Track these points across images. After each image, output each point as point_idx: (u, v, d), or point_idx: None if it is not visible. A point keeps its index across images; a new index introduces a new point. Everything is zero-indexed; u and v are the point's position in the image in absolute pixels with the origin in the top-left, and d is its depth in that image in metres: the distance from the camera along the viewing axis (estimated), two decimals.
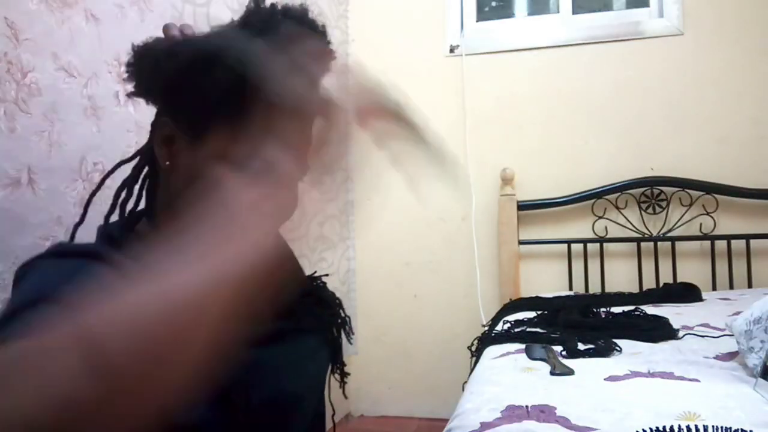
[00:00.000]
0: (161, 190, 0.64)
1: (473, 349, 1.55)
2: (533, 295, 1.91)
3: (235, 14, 0.59)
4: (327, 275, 0.85)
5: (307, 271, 0.86)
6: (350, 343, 0.79)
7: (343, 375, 0.81)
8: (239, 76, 0.55)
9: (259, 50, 0.53)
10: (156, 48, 0.60)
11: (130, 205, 0.66)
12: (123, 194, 0.65)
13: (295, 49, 0.54)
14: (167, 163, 0.61)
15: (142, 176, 0.66)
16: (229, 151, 0.56)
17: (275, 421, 0.61)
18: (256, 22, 0.58)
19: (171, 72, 0.57)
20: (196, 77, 0.56)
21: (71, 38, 0.99)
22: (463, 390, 1.13)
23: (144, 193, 0.66)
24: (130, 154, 0.68)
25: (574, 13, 2.31)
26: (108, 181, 0.65)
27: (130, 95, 0.63)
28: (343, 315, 0.80)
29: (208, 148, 0.58)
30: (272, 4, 0.59)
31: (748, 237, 2.02)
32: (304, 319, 0.70)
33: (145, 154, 0.66)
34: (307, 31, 0.58)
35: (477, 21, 2.41)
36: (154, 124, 0.63)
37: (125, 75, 0.62)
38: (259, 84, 0.51)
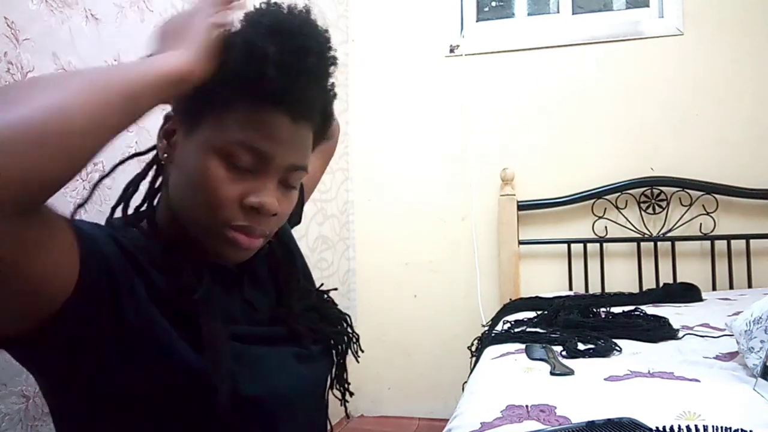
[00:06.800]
0: (162, 186, 0.65)
1: (473, 349, 1.55)
2: (533, 296, 1.90)
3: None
4: (336, 289, 0.85)
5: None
6: (357, 362, 0.77)
7: (344, 393, 0.78)
8: (237, 70, 0.56)
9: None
10: None
11: (137, 201, 0.66)
12: (131, 189, 0.65)
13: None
14: (165, 155, 0.62)
15: (151, 173, 0.66)
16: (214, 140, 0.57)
17: (262, 417, 0.60)
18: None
19: None
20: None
21: (71, 38, 0.99)
22: (463, 390, 1.13)
23: (149, 188, 0.65)
24: (129, 155, 0.68)
25: (574, 13, 2.32)
26: (108, 182, 0.65)
27: None
28: (350, 332, 0.78)
29: (198, 137, 0.59)
30: (278, 4, 0.60)
31: (748, 237, 2.02)
32: (301, 328, 0.69)
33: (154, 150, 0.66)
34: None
35: (477, 21, 2.41)
36: (163, 119, 0.64)
37: None
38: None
